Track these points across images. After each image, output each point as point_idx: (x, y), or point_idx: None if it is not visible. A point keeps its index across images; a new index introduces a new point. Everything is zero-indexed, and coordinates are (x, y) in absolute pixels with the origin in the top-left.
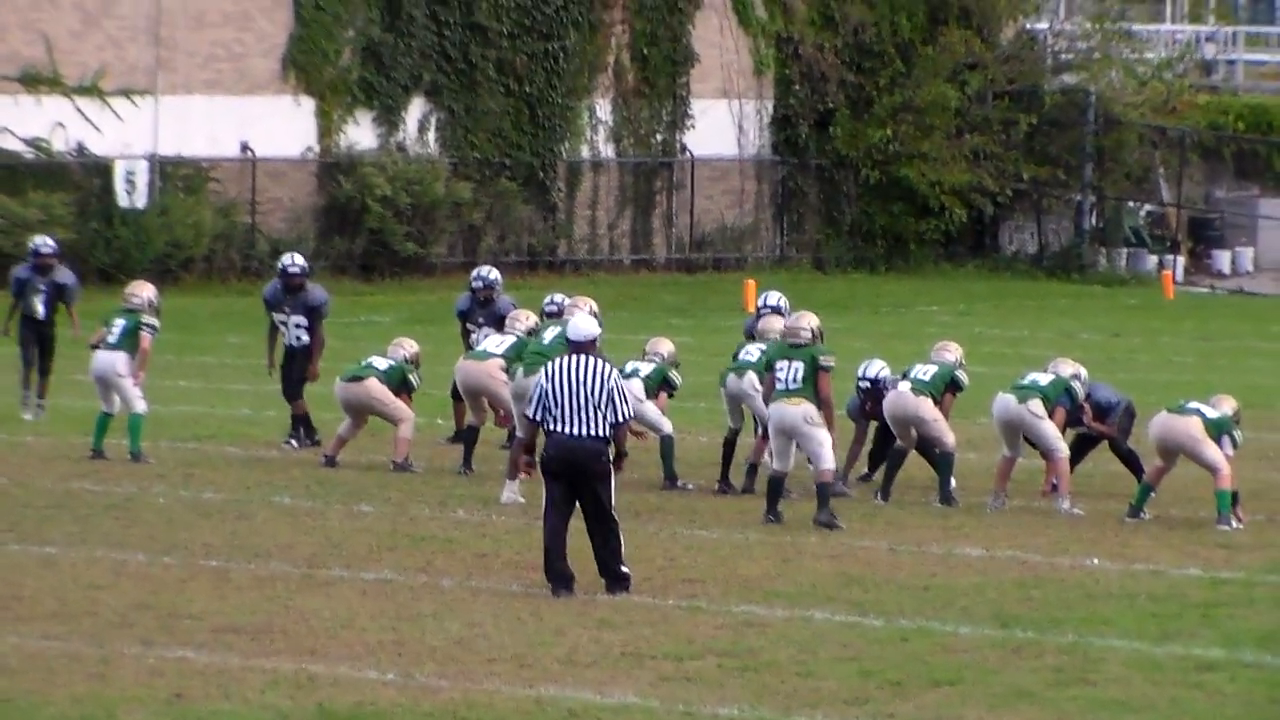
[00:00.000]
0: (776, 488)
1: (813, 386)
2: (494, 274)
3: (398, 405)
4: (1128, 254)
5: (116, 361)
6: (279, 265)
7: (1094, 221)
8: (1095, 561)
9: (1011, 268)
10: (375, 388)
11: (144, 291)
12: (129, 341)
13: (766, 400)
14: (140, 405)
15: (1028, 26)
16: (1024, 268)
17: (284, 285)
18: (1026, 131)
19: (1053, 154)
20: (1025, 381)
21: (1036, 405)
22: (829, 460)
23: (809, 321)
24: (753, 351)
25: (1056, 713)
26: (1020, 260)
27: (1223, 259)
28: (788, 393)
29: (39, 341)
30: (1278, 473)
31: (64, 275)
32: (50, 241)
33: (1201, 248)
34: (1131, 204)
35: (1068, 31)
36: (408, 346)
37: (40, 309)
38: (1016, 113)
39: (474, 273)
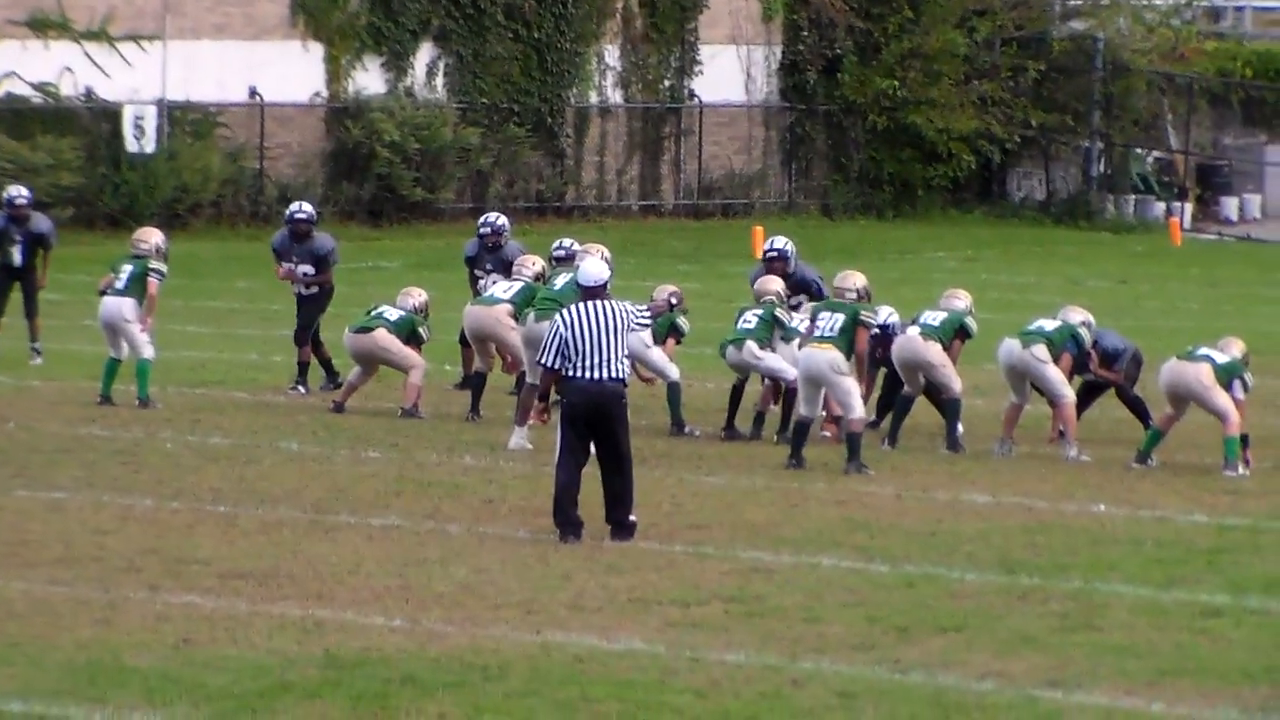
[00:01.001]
0: (802, 432)
1: (848, 340)
2: (502, 220)
3: (407, 353)
4: (1135, 201)
5: (124, 307)
6: (286, 213)
7: (1102, 168)
8: (1102, 508)
9: (1019, 214)
10: (384, 338)
11: (152, 238)
12: (136, 287)
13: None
14: (148, 351)
15: None
16: (1031, 214)
17: (291, 232)
18: (1034, 78)
19: (1061, 101)
20: (1031, 327)
21: (1041, 350)
22: (859, 409)
23: (855, 281)
24: (750, 319)
25: (1061, 658)
26: (1028, 207)
27: (1230, 206)
28: (819, 339)
29: (24, 289)
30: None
31: (41, 224)
32: (25, 191)
33: (1209, 194)
34: (1139, 151)
35: None
36: (416, 295)
37: (18, 257)
38: (1025, 59)
39: (482, 219)
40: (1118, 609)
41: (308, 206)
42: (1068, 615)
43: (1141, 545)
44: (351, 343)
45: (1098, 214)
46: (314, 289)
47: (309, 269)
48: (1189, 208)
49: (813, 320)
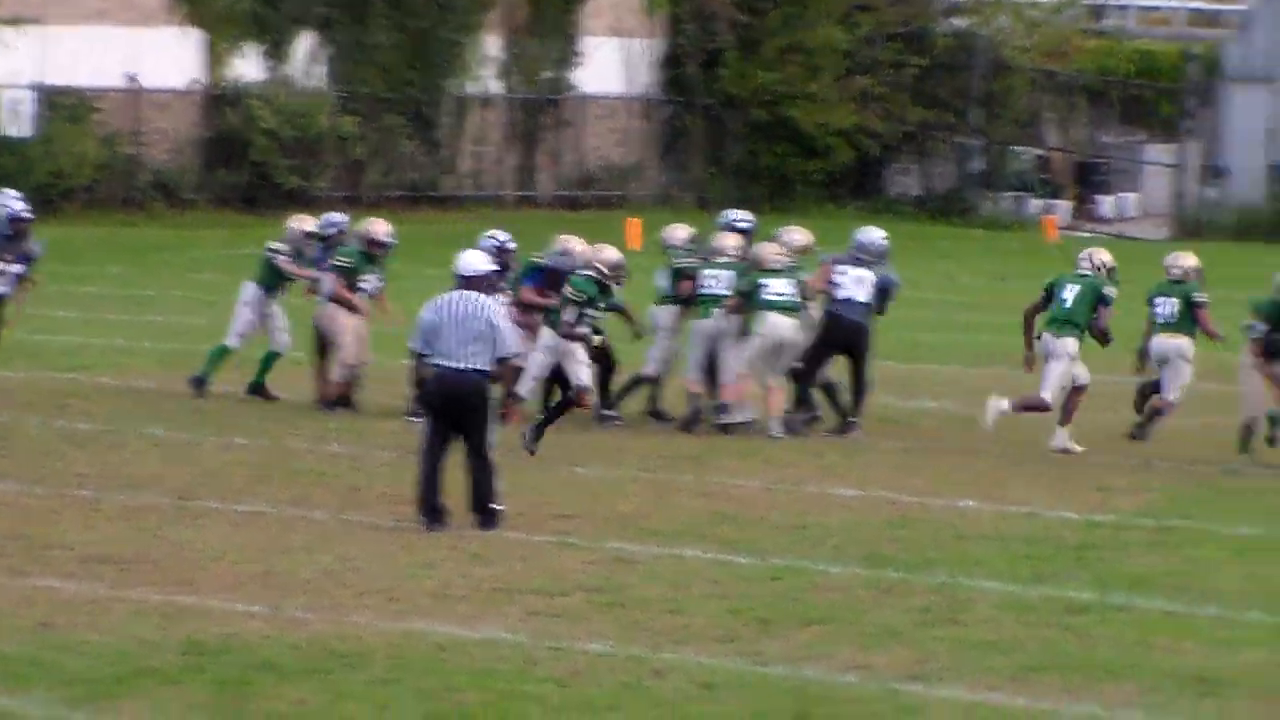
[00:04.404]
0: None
1: (1190, 321)
2: (340, 217)
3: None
4: (1012, 198)
5: None
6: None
7: (980, 165)
8: (970, 503)
9: (894, 209)
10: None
11: None
12: None
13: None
14: None
15: None
16: (907, 210)
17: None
18: (915, 74)
19: (941, 97)
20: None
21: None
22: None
23: (1187, 261)
24: (715, 281)
25: (924, 652)
26: (903, 202)
27: (1107, 204)
28: (1165, 327)
29: None
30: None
31: None
32: None
33: (1087, 193)
34: (1018, 148)
35: None
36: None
37: None
38: (906, 55)
39: (323, 219)
40: (982, 604)
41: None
42: (931, 609)
43: (1008, 541)
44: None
45: (973, 211)
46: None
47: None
48: (1066, 205)
49: (1149, 304)
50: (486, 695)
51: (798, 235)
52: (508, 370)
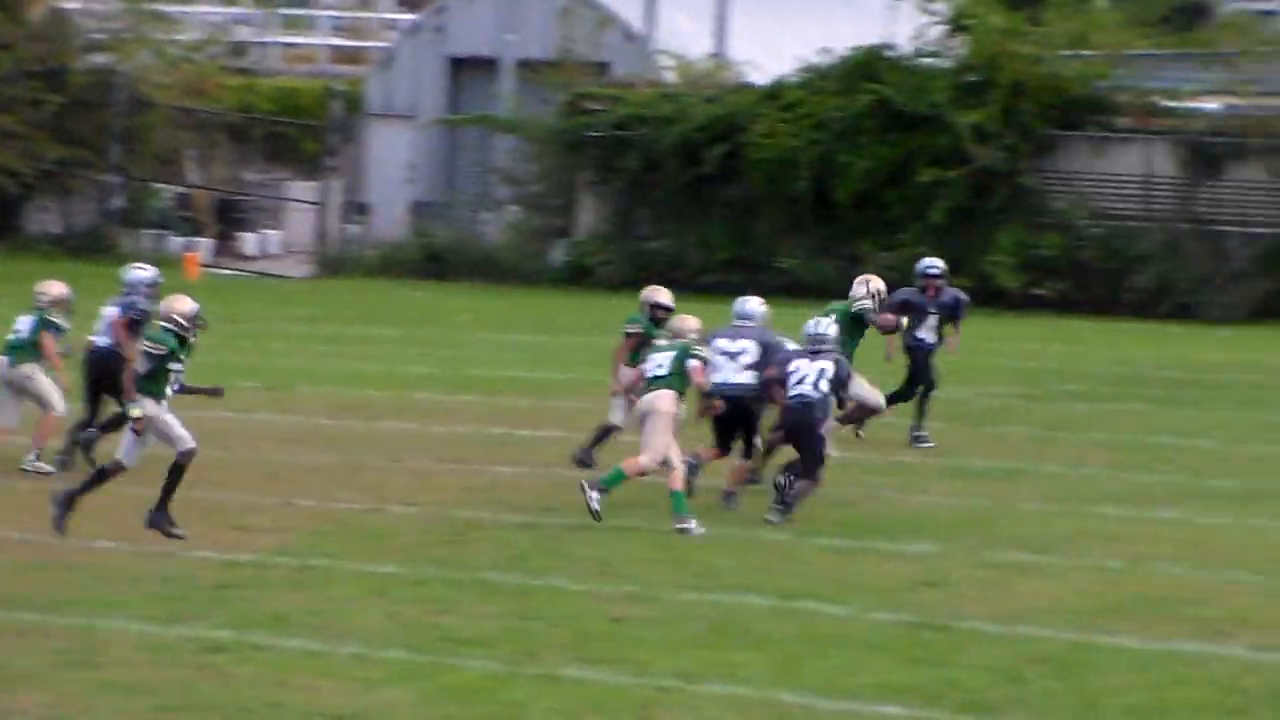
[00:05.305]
0: None
1: None
2: None
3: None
4: (154, 235)
5: None
6: None
7: (120, 202)
8: (106, 544)
9: (35, 249)
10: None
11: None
12: None
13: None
14: None
15: (59, 5)
16: (48, 248)
17: None
18: (55, 111)
19: (81, 134)
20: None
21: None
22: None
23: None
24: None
25: (59, 694)
26: (43, 241)
27: (250, 241)
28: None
29: None
30: (285, 454)
31: None
32: None
33: (229, 230)
34: (158, 185)
35: (99, 11)
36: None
37: None
38: (45, 92)
39: None
40: (120, 646)
41: None
42: (68, 652)
43: (145, 581)
44: None
45: (115, 248)
46: None
47: None
48: (208, 242)
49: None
50: None
51: None
52: None
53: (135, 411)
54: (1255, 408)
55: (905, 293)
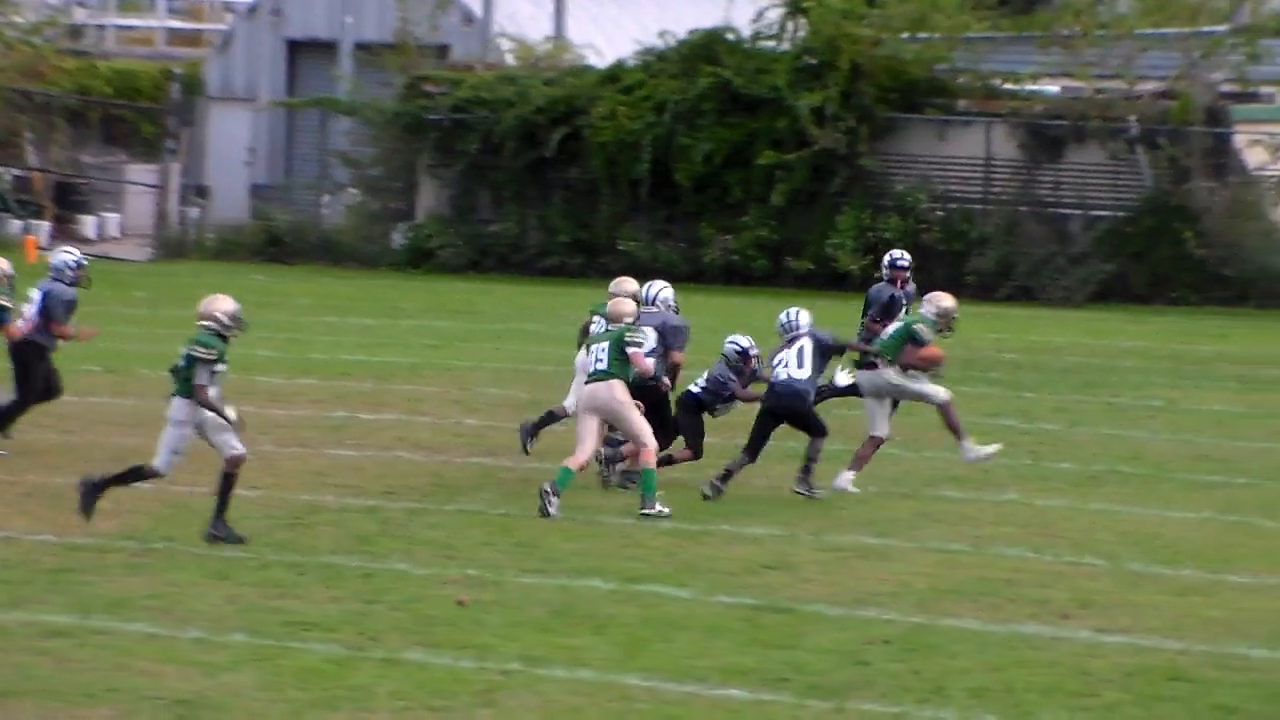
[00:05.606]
0: None
1: None
2: None
3: None
4: None
5: None
6: None
7: None
8: None
9: None
10: None
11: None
12: None
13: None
14: None
15: None
16: None
17: None
18: None
19: None
20: None
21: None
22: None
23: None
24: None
25: None
26: None
27: (89, 224)
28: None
29: None
30: (126, 438)
31: None
32: None
33: (68, 213)
34: None
35: None
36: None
37: None
38: None
39: None
40: None
41: None
42: None
43: None
44: None
45: None
46: None
47: None
48: (47, 226)
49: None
50: None
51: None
52: None
53: (231, 414)
54: (1096, 390)
55: (886, 289)
